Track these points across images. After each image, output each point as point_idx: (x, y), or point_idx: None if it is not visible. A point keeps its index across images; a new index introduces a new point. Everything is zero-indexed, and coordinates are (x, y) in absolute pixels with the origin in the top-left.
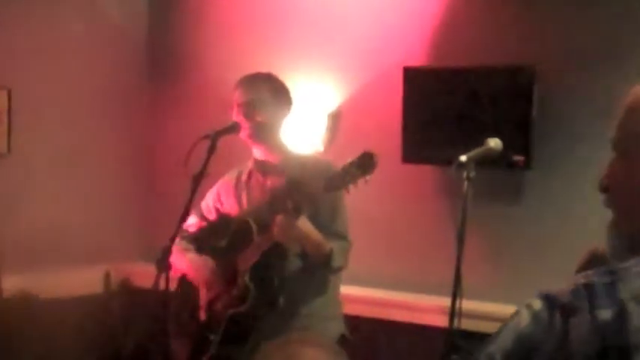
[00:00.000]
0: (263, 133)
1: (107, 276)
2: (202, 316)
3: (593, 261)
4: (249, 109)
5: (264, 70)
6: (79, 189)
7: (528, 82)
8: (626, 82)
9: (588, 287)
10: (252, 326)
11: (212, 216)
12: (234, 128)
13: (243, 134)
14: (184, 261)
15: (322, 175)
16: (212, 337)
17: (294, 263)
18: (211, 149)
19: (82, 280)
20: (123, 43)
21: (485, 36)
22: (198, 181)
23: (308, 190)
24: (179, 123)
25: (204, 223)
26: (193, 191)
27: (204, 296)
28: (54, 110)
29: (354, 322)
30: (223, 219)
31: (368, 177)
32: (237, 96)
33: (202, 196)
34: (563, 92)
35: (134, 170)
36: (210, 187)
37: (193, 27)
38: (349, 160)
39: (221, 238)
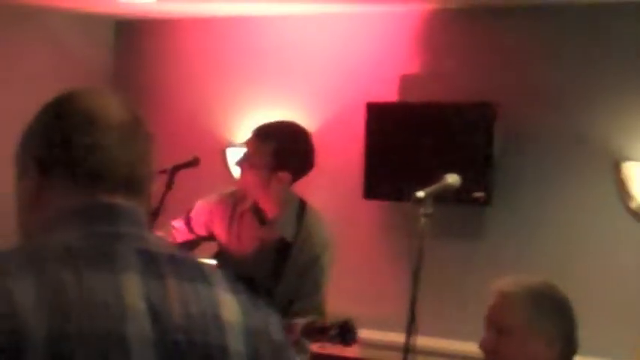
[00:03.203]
0: (267, 188)
1: None
2: None
3: None
4: (243, 163)
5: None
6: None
7: (490, 118)
8: (589, 119)
9: None
10: None
11: (201, 231)
12: (193, 163)
13: (244, 185)
14: None
15: (314, 253)
16: None
17: None
18: (169, 184)
19: None
20: (88, 76)
21: (448, 73)
22: (155, 217)
23: (287, 321)
24: None
25: (191, 235)
26: (150, 226)
27: None
28: (15, 142)
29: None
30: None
31: (345, 346)
32: (252, 144)
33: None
34: (525, 129)
35: None
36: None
37: (159, 59)
38: (336, 321)
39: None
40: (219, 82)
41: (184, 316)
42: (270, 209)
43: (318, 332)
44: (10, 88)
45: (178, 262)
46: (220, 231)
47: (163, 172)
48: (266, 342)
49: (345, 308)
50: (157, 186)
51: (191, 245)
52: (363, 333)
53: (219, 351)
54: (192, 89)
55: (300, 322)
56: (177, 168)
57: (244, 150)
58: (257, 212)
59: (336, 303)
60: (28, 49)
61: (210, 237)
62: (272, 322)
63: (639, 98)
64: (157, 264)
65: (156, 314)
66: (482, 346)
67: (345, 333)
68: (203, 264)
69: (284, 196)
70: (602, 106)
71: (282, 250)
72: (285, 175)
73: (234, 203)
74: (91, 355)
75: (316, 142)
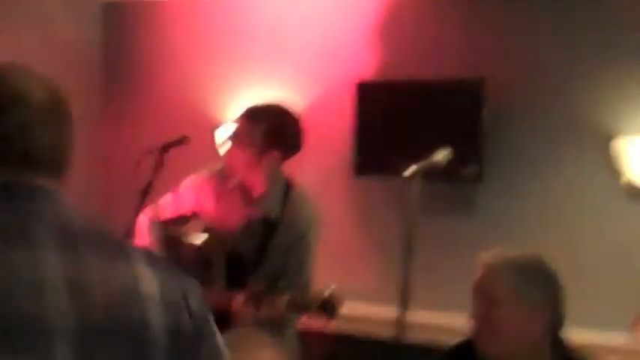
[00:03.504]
0: (254, 167)
1: None
2: None
3: None
4: (231, 142)
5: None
6: None
7: (479, 94)
8: (580, 94)
9: None
10: None
11: (191, 206)
12: (182, 141)
13: (231, 164)
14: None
15: (301, 230)
16: None
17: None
18: (158, 163)
19: None
20: (77, 56)
21: (437, 49)
22: (145, 195)
23: (272, 298)
24: (133, 137)
25: (178, 214)
26: (140, 205)
27: None
28: None
29: (301, 334)
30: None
31: (329, 319)
32: (241, 124)
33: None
34: (515, 105)
35: (88, 184)
36: (161, 194)
37: (148, 41)
38: (319, 294)
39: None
40: (208, 62)
41: (105, 294)
42: (256, 188)
43: (301, 307)
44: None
45: (98, 239)
46: (209, 206)
47: (153, 151)
48: (185, 312)
49: (336, 283)
50: (147, 165)
51: (180, 221)
52: (355, 308)
53: (141, 326)
54: (181, 69)
55: (284, 297)
56: (166, 147)
57: (233, 128)
58: (244, 190)
59: (327, 279)
60: (15, 30)
61: (197, 214)
62: (191, 292)
63: (631, 73)
64: (76, 241)
65: (75, 291)
66: (473, 318)
67: (328, 307)
68: (124, 241)
69: (271, 176)
70: (594, 81)
71: (267, 228)
72: (274, 155)
73: (223, 180)
74: (8, 334)
75: (306, 120)
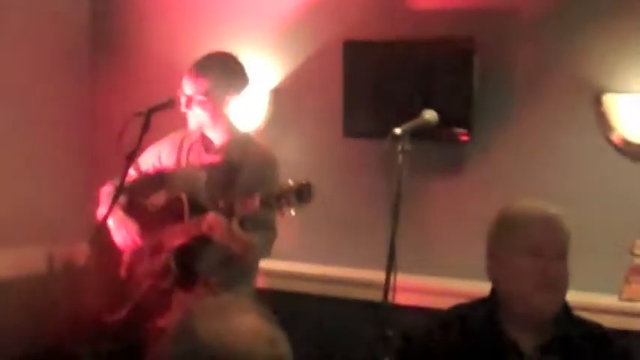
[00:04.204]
0: (214, 118)
1: (50, 257)
2: (123, 273)
3: None
4: (201, 98)
5: (207, 47)
6: (20, 167)
7: (468, 53)
8: (569, 50)
9: None
10: (168, 299)
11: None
12: (168, 104)
13: (193, 122)
14: (113, 216)
15: (263, 171)
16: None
17: (218, 251)
18: (145, 126)
19: (23, 261)
20: (64, 20)
21: (425, 7)
22: (132, 159)
23: (244, 198)
24: (121, 100)
25: (140, 176)
26: (126, 169)
27: (126, 256)
28: None
29: (286, 297)
30: (159, 174)
31: (303, 206)
32: (191, 83)
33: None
34: (503, 63)
35: (77, 149)
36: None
37: (135, 4)
38: (289, 183)
39: (153, 192)
40: (196, 26)
41: None
42: (218, 138)
43: (276, 199)
44: None
45: None
46: (170, 162)
47: (139, 114)
48: None
49: (324, 246)
50: (134, 128)
51: (141, 183)
52: (344, 272)
53: None
54: (169, 30)
55: (256, 195)
56: (152, 110)
57: (187, 90)
58: (205, 142)
59: (315, 240)
60: (3, 5)
61: (158, 170)
62: None
63: (620, 28)
64: None
65: None
66: (529, 273)
67: (304, 190)
68: None
69: (230, 125)
70: (582, 37)
71: (230, 173)
72: (229, 99)
73: (182, 139)
74: None
75: (294, 82)
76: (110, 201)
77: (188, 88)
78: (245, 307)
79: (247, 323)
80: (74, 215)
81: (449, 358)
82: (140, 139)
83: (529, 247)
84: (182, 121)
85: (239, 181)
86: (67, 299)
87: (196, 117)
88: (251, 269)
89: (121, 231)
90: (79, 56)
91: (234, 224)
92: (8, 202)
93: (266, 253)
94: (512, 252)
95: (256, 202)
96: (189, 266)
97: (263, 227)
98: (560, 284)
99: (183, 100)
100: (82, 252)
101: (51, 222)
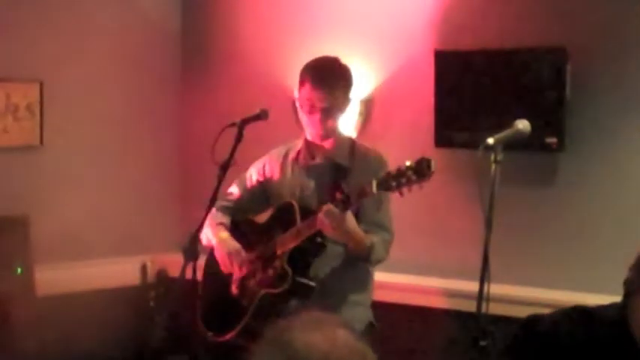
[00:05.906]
0: (332, 132)
1: (144, 267)
2: (234, 290)
3: None
4: (327, 115)
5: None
6: (113, 180)
7: (562, 63)
8: None
9: None
10: (285, 307)
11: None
12: (261, 115)
13: (313, 134)
14: (214, 238)
15: (372, 169)
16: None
17: (334, 251)
18: (238, 137)
19: (118, 272)
20: (156, 33)
21: (517, 17)
22: (225, 170)
23: (359, 186)
24: (213, 111)
25: (245, 194)
26: (220, 180)
27: (236, 272)
28: (86, 102)
29: (383, 309)
30: (264, 188)
31: (423, 183)
32: (316, 98)
33: (229, 184)
34: (598, 73)
35: (169, 160)
36: (239, 174)
37: (227, 15)
38: (407, 162)
39: (260, 207)
40: (288, 35)
41: None
42: (326, 143)
43: (394, 179)
44: (77, 47)
45: None
46: (274, 176)
47: (233, 125)
48: None
49: (418, 256)
50: (227, 139)
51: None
52: (438, 283)
53: None
54: (261, 42)
55: (373, 181)
56: (246, 121)
57: (323, 103)
58: (310, 149)
59: (409, 252)
60: (97, 6)
61: (262, 182)
62: None
63: None
64: None
65: None
66: None
67: (423, 165)
68: None
69: (339, 131)
70: None
71: (338, 173)
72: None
73: (287, 151)
74: None
75: (386, 92)
76: (212, 231)
77: (320, 100)
78: (339, 322)
79: (342, 337)
80: (167, 226)
81: (575, 353)
82: (233, 150)
83: None
84: (275, 134)
85: (350, 181)
86: (162, 309)
87: (321, 127)
88: (368, 274)
89: (222, 252)
90: (171, 68)
91: (349, 216)
92: (101, 215)
93: (385, 253)
94: None
95: (373, 186)
96: (304, 268)
97: (379, 228)
98: None
99: (313, 110)
100: (175, 262)
101: (144, 233)
